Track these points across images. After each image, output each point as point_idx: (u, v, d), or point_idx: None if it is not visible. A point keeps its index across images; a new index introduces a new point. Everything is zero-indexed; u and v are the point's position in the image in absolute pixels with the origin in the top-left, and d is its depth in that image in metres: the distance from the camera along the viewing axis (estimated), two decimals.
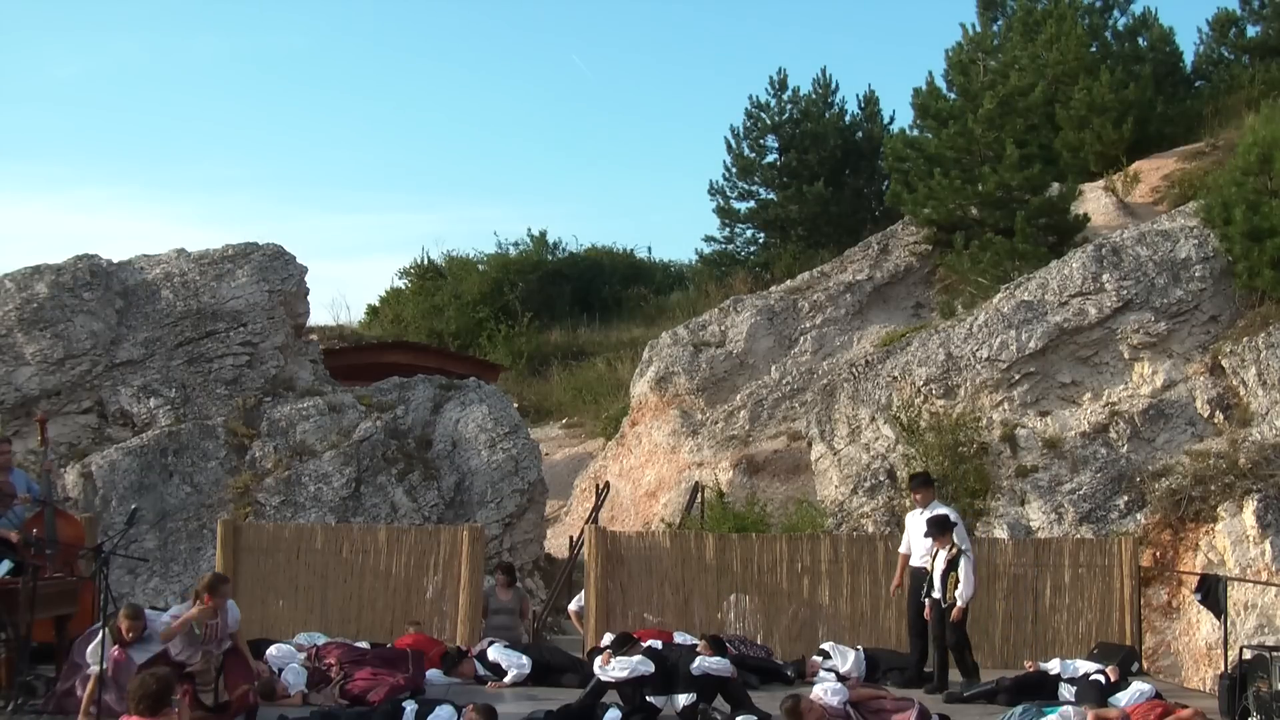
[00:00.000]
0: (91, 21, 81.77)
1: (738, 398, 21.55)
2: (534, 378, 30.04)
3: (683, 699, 9.81)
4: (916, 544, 11.93)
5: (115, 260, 18.30)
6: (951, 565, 11.35)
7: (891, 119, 31.51)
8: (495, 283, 33.67)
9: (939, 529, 11.55)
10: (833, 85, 31.63)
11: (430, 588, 13.58)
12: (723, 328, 22.54)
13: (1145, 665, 13.39)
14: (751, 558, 13.55)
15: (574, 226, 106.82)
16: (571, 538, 17.73)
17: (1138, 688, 10.61)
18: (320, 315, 29.50)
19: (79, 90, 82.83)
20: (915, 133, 25.26)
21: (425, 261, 35.92)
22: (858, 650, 12.14)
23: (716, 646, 10.30)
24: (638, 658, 9.86)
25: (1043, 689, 10.94)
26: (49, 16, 79.98)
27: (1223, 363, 16.60)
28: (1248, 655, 10.37)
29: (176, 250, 18.79)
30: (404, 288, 35.92)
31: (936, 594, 11.47)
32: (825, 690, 9.64)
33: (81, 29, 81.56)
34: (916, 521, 11.96)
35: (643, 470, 21.76)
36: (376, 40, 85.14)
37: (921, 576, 11.70)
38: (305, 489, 16.28)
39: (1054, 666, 11.47)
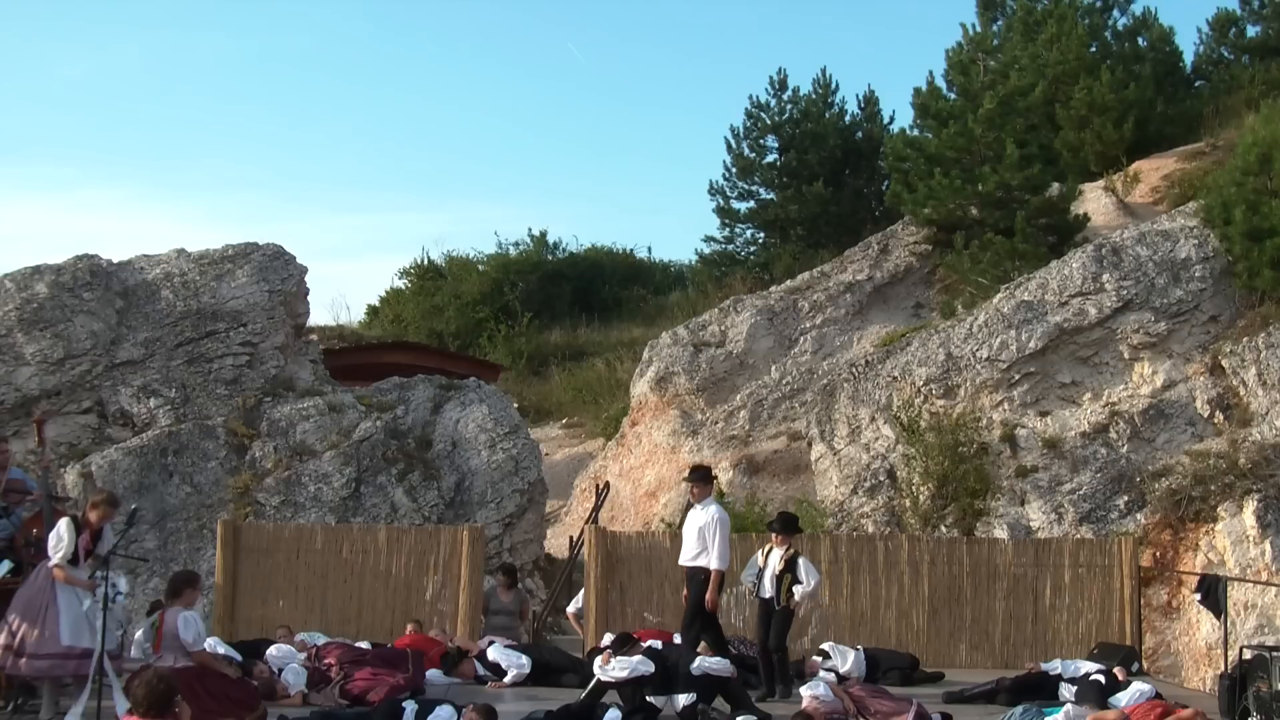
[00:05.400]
0: (96, 22, 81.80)
1: (738, 398, 21.54)
2: (534, 378, 30.05)
3: (683, 699, 9.81)
4: (689, 541, 11.11)
5: (115, 260, 18.30)
6: (788, 567, 11.03)
7: (891, 119, 31.50)
8: (495, 283, 33.68)
9: (785, 527, 11.26)
10: (833, 85, 31.61)
11: (430, 588, 13.59)
12: (723, 328, 22.53)
13: (1145, 665, 13.39)
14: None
15: (574, 226, 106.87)
16: (571, 538, 17.72)
17: (1138, 688, 10.60)
18: (320, 315, 29.53)
19: (83, 90, 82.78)
20: (915, 133, 25.27)
21: (425, 261, 35.97)
22: (858, 650, 12.12)
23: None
24: (638, 658, 9.86)
25: (1043, 689, 10.94)
26: (53, 17, 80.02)
27: (1223, 363, 16.61)
28: (1248, 655, 10.38)
29: (176, 250, 18.79)
30: (404, 288, 35.93)
31: (768, 593, 11.08)
32: (811, 690, 9.88)
33: (86, 29, 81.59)
34: (693, 515, 11.22)
35: (643, 470, 21.76)
36: (378, 40, 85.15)
37: (693, 576, 11.00)
38: (305, 489, 16.28)
39: (1055, 667, 11.47)
